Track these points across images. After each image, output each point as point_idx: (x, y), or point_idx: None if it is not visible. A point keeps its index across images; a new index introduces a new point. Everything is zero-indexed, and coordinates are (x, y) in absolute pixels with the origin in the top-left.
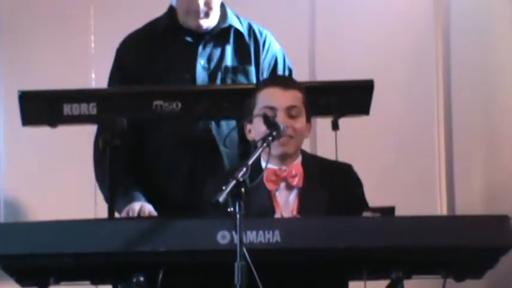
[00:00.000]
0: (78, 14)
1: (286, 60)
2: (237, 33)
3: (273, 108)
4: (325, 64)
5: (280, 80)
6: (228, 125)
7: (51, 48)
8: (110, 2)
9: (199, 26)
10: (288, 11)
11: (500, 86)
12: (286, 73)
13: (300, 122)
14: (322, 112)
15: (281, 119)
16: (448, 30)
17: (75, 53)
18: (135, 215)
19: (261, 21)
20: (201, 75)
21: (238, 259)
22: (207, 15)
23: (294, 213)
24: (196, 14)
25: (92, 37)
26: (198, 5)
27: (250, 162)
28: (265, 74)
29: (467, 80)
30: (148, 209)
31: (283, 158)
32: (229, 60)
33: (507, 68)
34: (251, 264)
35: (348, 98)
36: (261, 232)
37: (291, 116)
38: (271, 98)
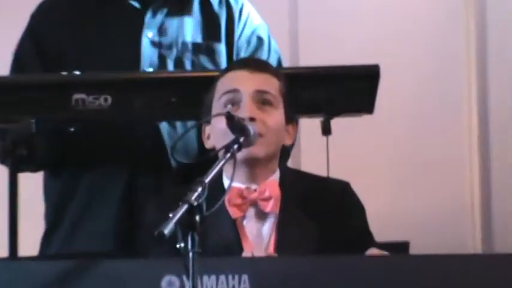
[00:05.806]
0: None
1: (272, 41)
2: None
3: (236, 91)
4: (312, 45)
5: (250, 61)
6: (184, 128)
7: None
8: None
9: None
10: None
11: None
12: (274, 58)
13: (275, 116)
14: (309, 110)
15: (246, 106)
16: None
17: None
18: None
19: None
20: (147, 54)
21: None
22: None
23: (270, 251)
24: None
25: None
26: None
27: (207, 179)
28: (242, 55)
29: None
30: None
31: (252, 168)
32: (189, 34)
33: None
34: None
35: (344, 91)
36: (222, 277)
37: (261, 104)
38: (234, 80)
